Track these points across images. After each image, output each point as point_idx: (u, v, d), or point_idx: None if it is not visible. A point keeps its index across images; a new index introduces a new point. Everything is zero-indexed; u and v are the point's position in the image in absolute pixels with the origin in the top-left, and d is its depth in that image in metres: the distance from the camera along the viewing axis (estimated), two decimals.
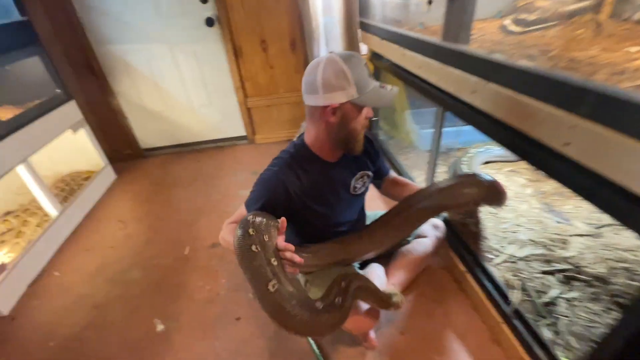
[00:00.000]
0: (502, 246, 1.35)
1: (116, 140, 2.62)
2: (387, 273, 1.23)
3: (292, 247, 0.84)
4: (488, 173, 1.13)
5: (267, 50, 2.42)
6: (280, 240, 0.84)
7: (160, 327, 1.29)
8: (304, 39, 2.35)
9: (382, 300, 0.97)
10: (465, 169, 1.76)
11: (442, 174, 1.94)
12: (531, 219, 1.47)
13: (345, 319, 0.88)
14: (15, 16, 1.75)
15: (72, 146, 2.23)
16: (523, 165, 1.90)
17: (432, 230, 1.28)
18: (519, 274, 1.21)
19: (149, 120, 2.62)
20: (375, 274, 1.15)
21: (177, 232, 1.82)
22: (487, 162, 1.97)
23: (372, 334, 1.13)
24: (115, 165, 2.47)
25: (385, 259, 1.26)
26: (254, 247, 0.78)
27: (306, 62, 2.43)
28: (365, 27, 2.06)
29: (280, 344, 1.18)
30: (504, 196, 1.06)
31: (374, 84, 0.92)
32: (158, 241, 1.77)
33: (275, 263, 0.80)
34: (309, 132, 1.00)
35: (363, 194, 1.18)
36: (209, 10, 2.26)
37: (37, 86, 1.86)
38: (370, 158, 1.15)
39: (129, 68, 2.38)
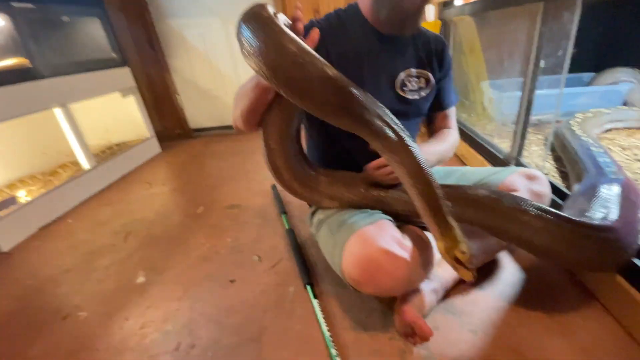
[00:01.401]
0: None
1: (169, 118, 2.62)
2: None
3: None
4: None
5: None
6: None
7: (141, 279, 1.03)
8: None
9: (437, 222, 0.57)
10: (578, 134, 1.20)
11: (534, 144, 1.42)
12: None
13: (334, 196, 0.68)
14: None
15: (124, 117, 2.26)
16: None
17: (523, 180, 0.80)
18: None
19: (200, 99, 2.59)
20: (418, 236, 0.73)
21: (198, 194, 1.61)
22: (609, 130, 1.40)
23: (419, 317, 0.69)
24: (164, 143, 2.44)
25: None
26: (264, 12, 0.56)
27: None
28: None
29: (276, 321, 0.81)
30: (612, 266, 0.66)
31: None
32: (176, 201, 1.58)
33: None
34: None
35: (415, 105, 0.82)
36: None
37: (92, 45, 1.91)
38: (439, 62, 0.84)
39: (185, 43, 2.40)
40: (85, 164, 1.75)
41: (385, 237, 0.65)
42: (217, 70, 2.48)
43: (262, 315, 0.83)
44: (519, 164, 1.15)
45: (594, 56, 1.82)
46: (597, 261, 0.63)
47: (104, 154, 2.04)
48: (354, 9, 0.78)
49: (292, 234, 1.13)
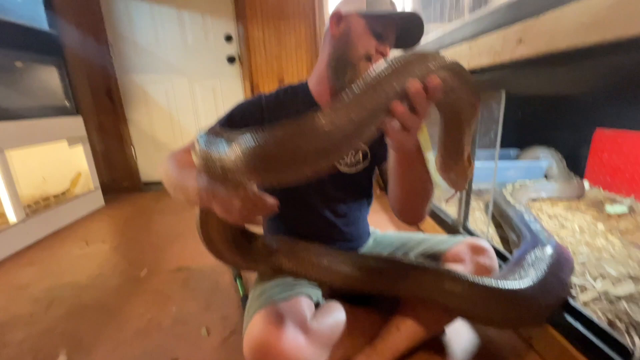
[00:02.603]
0: (586, 280, 0.89)
1: (118, 170, 2.49)
2: (392, 318, 0.82)
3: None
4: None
5: None
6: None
7: (61, 359, 0.86)
8: None
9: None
10: (512, 203, 1.36)
11: (477, 211, 1.55)
12: (616, 254, 1.03)
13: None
14: (42, 24, 1.84)
15: (67, 167, 2.10)
16: (582, 203, 1.50)
17: (469, 252, 0.82)
18: (627, 317, 0.74)
19: (156, 152, 2.52)
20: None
21: (143, 254, 1.47)
22: (534, 199, 1.59)
23: None
24: (108, 195, 2.27)
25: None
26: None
27: None
28: None
29: None
30: None
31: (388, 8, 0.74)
32: (115, 262, 1.42)
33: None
34: (315, 67, 0.83)
35: (352, 180, 0.84)
36: (232, 49, 2.34)
37: (43, 91, 1.83)
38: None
39: (147, 98, 2.40)
40: (12, 216, 1.54)
41: (290, 318, 0.64)
42: (178, 124, 2.48)
43: None
44: (465, 228, 1.24)
45: (517, 135, 2.14)
46: (511, 320, 0.69)
47: (37, 206, 1.83)
48: (303, 87, 0.83)
49: (247, 301, 1.05)
